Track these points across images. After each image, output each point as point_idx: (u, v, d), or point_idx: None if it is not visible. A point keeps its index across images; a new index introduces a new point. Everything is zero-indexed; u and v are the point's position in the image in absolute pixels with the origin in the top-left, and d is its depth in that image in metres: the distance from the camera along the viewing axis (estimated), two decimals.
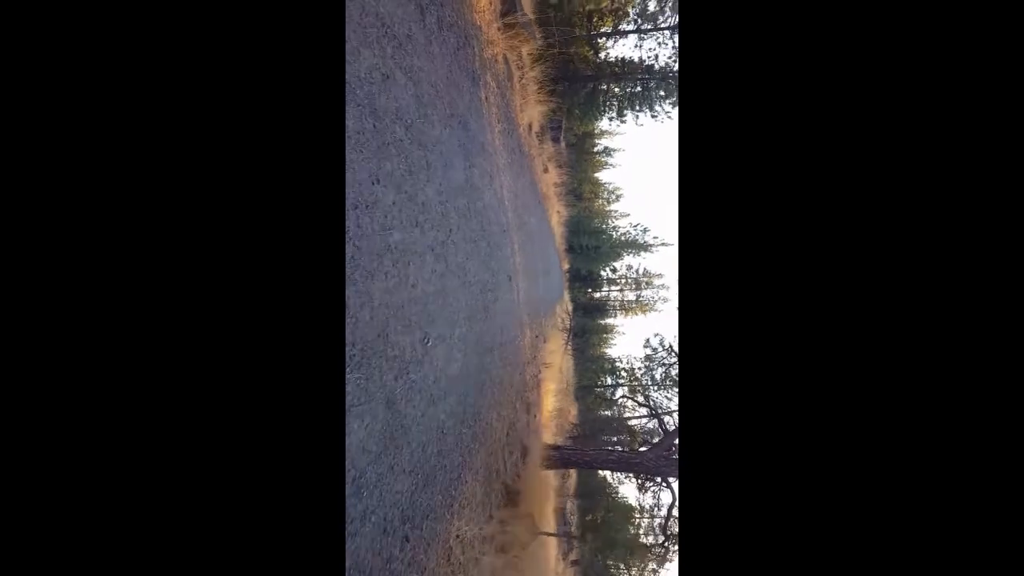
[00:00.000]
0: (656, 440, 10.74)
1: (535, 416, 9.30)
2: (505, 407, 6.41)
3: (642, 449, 10.47)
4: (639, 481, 10.53)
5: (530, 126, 11.35)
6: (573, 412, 21.09)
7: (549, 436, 11.05)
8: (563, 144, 25.06)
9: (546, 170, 14.82)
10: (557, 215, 21.71)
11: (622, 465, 9.42)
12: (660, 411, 10.44)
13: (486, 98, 6.79)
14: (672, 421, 10.23)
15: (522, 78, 9.60)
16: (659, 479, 9.29)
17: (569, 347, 20.19)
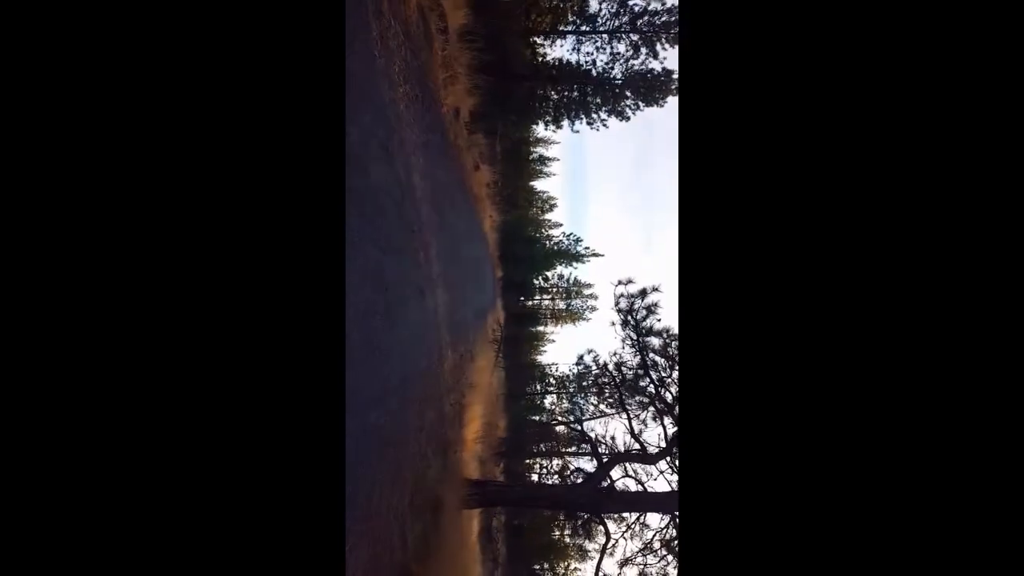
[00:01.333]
0: (591, 470, 9.32)
1: (456, 452, 7.54)
2: (407, 465, 4.58)
3: (577, 482, 9.03)
4: (573, 523, 9.04)
5: (457, 111, 9.63)
6: (502, 425, 19.65)
7: (474, 466, 9.33)
8: (498, 149, 23.68)
9: (477, 167, 13.05)
10: (490, 220, 20.01)
11: (553, 502, 7.92)
12: (594, 439, 9.06)
13: (381, 37, 4.91)
14: (606, 447, 8.86)
15: (445, 48, 7.85)
16: (592, 516, 7.84)
17: (500, 359, 18.62)
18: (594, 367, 11.01)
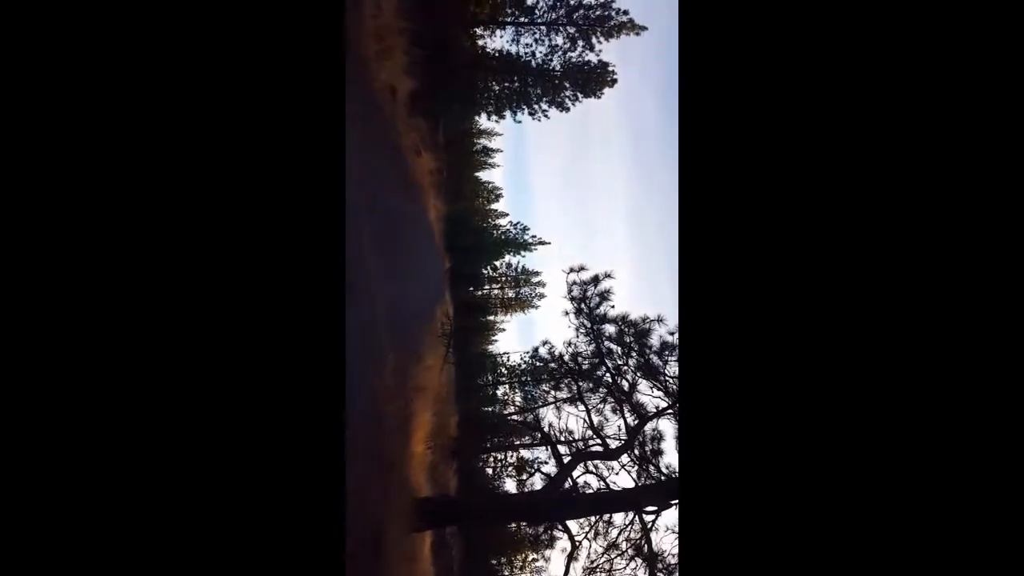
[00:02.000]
0: (550, 469, 8.75)
1: (402, 469, 6.70)
2: None
3: (534, 487, 8.46)
4: (534, 532, 8.46)
5: (393, 90, 8.62)
6: (454, 422, 18.87)
7: (423, 478, 8.51)
8: (441, 138, 22.66)
9: (419, 153, 12.00)
10: (436, 210, 18.88)
11: (514, 514, 7.29)
12: (550, 434, 8.51)
13: None
14: (565, 442, 8.32)
15: (378, 16, 6.85)
16: (554, 525, 7.27)
17: (450, 354, 17.74)
18: (549, 359, 10.43)
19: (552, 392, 9.83)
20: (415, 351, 9.47)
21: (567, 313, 9.28)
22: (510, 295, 45.21)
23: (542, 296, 45.99)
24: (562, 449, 8.12)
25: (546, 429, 9.50)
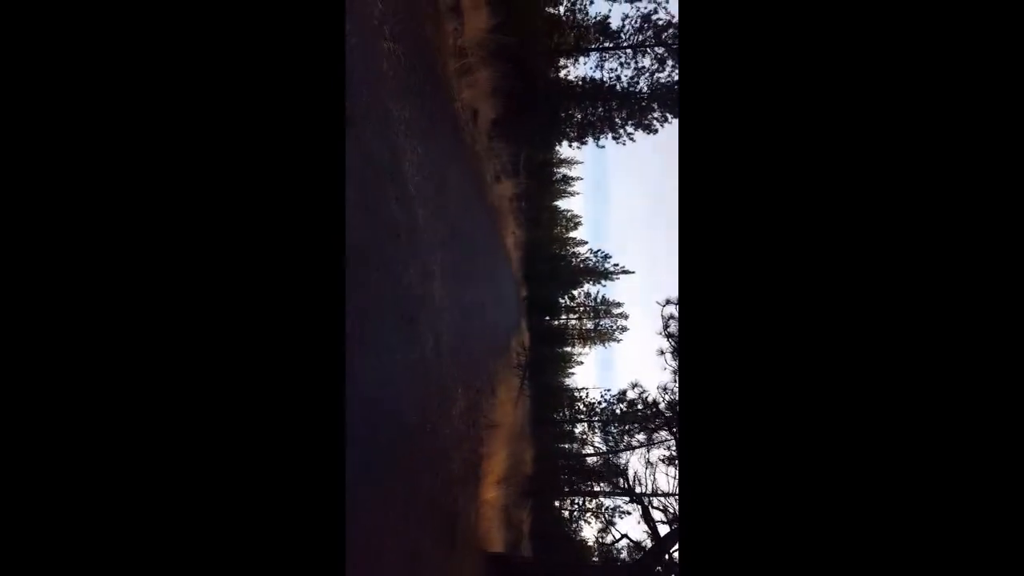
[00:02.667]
0: (647, 542, 7.48)
1: (471, 517, 5.91)
2: (394, 567, 3.02)
3: (624, 558, 7.25)
4: None
5: (475, 113, 8.25)
6: (529, 458, 17.87)
7: (495, 524, 7.64)
8: (522, 166, 22.63)
9: (498, 179, 11.58)
10: (513, 236, 18.46)
11: None
12: (645, 495, 7.28)
13: None
14: (663, 507, 7.04)
15: (459, 38, 6.50)
16: None
17: (526, 386, 16.91)
18: (640, 404, 9.22)
19: (640, 441, 8.57)
20: (488, 386, 8.78)
21: (662, 353, 8.10)
22: (589, 326, 43.86)
23: (624, 329, 44.10)
24: (657, 515, 6.83)
25: (631, 482, 8.21)
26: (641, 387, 8.99)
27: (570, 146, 26.01)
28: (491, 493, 6.89)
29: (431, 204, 5.31)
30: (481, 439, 7.35)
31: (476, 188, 9.01)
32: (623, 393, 9.08)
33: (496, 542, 7.62)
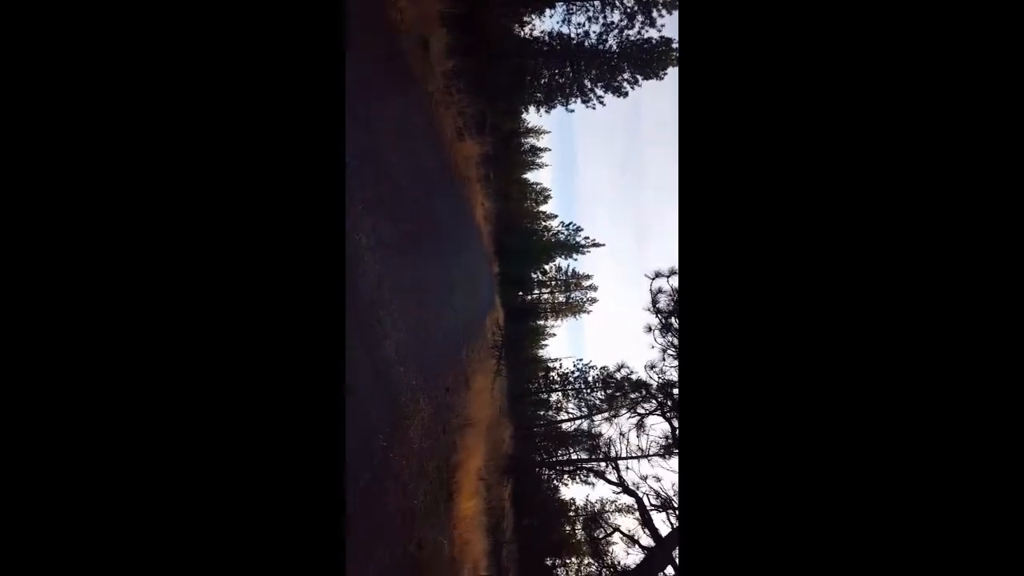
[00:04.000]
0: (640, 534, 6.65)
1: (447, 545, 4.81)
2: None
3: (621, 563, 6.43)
4: None
5: (426, 41, 6.73)
6: (507, 435, 17.05)
7: (476, 533, 6.62)
8: (488, 135, 21.10)
9: (461, 136, 9.96)
10: (482, 208, 16.86)
11: None
12: (619, 457, 6.50)
13: None
14: (661, 498, 6.18)
15: None
16: None
17: (502, 365, 15.86)
18: (627, 386, 8.33)
19: (635, 430, 7.69)
20: (461, 378, 7.59)
21: (651, 329, 7.12)
22: (561, 299, 43.53)
23: (594, 300, 43.93)
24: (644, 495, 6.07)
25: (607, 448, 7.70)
26: (628, 367, 8.08)
27: (538, 112, 24.93)
28: (468, 503, 5.82)
29: (382, 175, 3.97)
30: (454, 441, 6.20)
31: (434, 145, 7.53)
32: (610, 375, 8.20)
33: (477, 550, 6.60)
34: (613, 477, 8.81)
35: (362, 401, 3.01)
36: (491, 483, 9.16)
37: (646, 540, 6.92)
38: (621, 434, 8.53)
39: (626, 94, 21.26)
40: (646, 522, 6.73)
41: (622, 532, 8.98)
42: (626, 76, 20.27)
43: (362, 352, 3.16)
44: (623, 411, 8.44)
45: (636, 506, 7.40)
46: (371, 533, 2.93)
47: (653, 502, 7.10)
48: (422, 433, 4.40)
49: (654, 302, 7.12)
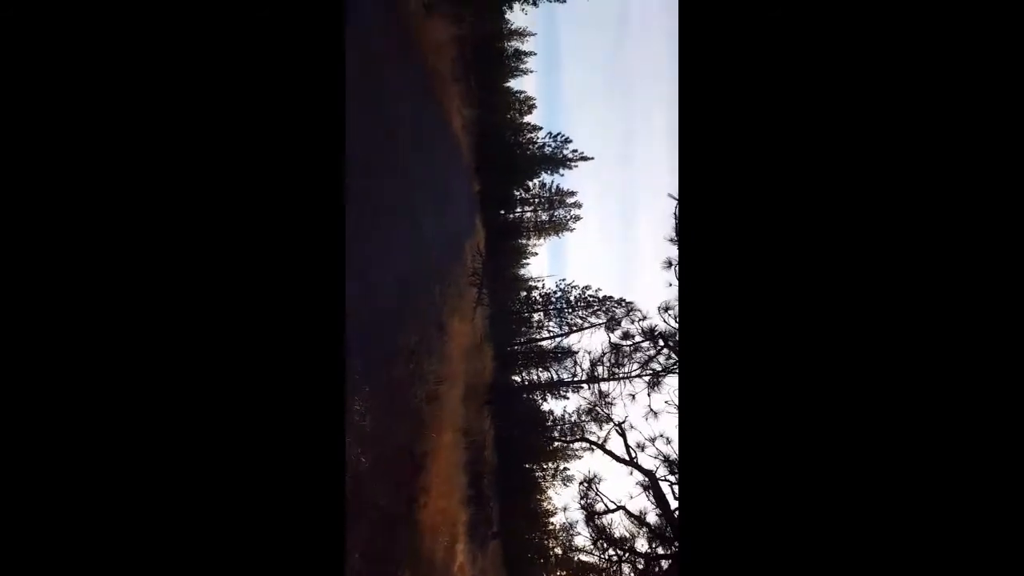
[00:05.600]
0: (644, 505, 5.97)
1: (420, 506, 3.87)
2: None
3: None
4: None
5: None
6: (489, 361, 16.50)
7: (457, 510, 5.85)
8: (464, 13, 18.01)
9: (429, 6, 7.55)
10: (460, 116, 14.44)
11: None
12: (600, 379, 6.01)
13: None
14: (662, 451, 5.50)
15: None
16: None
17: (483, 296, 14.75)
18: (638, 336, 7.43)
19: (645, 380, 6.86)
20: (437, 322, 6.37)
21: (670, 264, 6.18)
22: (544, 218, 41.88)
23: (578, 218, 42.43)
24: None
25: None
26: (639, 311, 7.09)
27: (522, 8, 21.93)
28: (442, 503, 4.91)
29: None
30: (426, 407, 5.12)
31: (396, 26, 5.52)
32: (617, 320, 7.24)
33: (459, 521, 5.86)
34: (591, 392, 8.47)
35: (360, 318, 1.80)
36: (469, 427, 8.46)
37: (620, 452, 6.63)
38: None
39: None
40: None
41: (589, 441, 9.34)
42: None
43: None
44: (634, 369, 7.64)
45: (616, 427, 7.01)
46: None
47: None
48: (402, 381, 3.20)
49: (677, 231, 5.90)
